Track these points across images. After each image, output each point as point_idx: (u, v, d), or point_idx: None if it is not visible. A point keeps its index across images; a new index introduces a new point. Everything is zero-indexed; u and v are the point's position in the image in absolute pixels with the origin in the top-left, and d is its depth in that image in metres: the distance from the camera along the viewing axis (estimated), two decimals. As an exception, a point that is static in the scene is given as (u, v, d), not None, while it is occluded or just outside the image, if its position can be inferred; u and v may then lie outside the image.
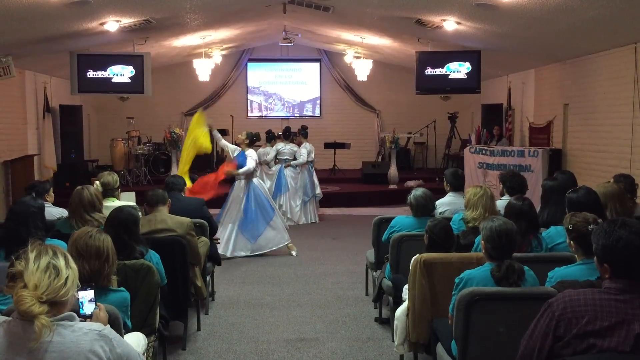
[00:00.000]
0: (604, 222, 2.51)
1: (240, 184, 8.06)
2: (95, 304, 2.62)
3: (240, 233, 7.97)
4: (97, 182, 5.30)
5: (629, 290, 2.28)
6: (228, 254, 7.85)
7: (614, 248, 2.33)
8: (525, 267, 3.35)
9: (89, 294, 2.59)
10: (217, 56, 14.73)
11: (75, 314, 2.22)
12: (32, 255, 2.12)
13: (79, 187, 4.63)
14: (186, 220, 4.94)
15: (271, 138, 10.82)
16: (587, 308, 2.27)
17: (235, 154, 8.17)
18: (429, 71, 11.02)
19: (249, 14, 11.11)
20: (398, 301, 4.49)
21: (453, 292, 3.42)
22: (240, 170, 7.89)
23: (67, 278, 2.15)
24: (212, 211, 6.36)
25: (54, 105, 12.47)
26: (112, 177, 5.44)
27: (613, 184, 4.85)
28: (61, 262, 2.16)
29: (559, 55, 10.41)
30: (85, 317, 2.53)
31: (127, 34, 9.88)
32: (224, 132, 15.08)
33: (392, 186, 12.94)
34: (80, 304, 2.54)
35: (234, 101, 16.58)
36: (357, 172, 14.62)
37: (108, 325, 2.39)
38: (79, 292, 2.48)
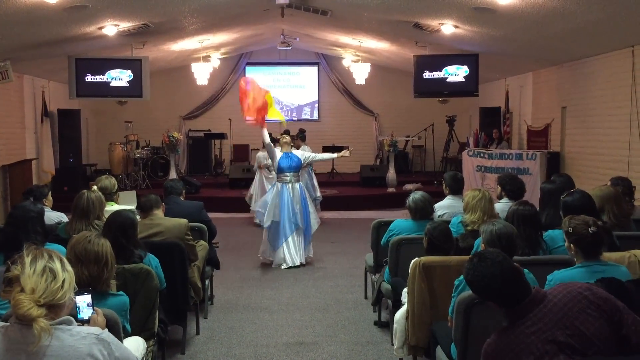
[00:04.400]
0: (469, 263, 2.53)
1: (289, 187, 7.72)
2: (93, 309, 2.62)
3: (300, 239, 7.71)
4: (95, 187, 5.30)
5: (528, 312, 2.31)
6: (295, 263, 7.60)
7: (484, 287, 2.40)
8: (525, 270, 3.34)
9: (87, 298, 2.59)
10: (215, 60, 14.74)
11: (73, 319, 2.22)
12: (27, 260, 2.13)
13: (80, 192, 4.63)
14: (183, 221, 4.96)
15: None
16: (516, 350, 2.27)
17: (278, 157, 7.76)
18: (427, 74, 11.05)
19: (247, 18, 11.13)
20: (397, 304, 4.49)
21: (452, 294, 3.42)
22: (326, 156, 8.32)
23: (63, 281, 2.16)
24: (211, 215, 6.35)
25: (52, 109, 12.47)
26: (109, 182, 5.44)
27: (610, 187, 4.85)
28: (57, 265, 2.16)
29: (557, 59, 10.44)
30: (82, 322, 2.53)
31: (126, 38, 9.89)
32: (222, 136, 15.15)
33: (390, 189, 12.95)
34: (77, 308, 2.54)
35: (232, 105, 16.51)
36: (355, 176, 14.62)
37: (106, 329, 2.38)
38: (77, 297, 2.48)
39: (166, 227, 4.84)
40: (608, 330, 2.25)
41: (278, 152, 7.85)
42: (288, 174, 7.72)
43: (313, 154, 8.29)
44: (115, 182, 5.56)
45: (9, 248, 3.57)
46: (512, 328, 2.31)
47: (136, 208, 5.09)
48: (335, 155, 8.28)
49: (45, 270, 2.13)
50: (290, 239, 7.62)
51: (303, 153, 7.97)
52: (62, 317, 2.16)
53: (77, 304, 2.53)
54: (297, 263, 7.60)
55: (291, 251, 7.62)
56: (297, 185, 7.80)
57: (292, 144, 7.96)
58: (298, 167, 7.81)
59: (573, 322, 2.24)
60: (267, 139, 7.85)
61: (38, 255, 2.15)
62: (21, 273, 2.10)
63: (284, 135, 7.86)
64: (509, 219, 4.00)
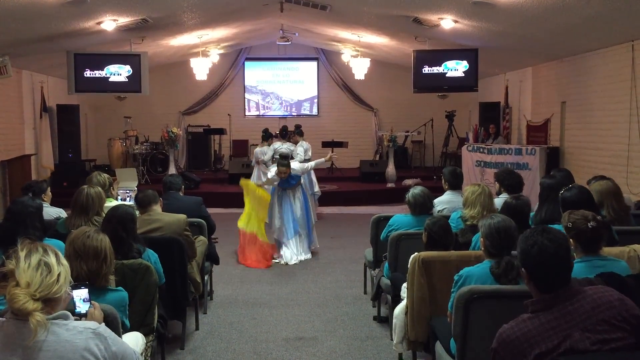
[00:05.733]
0: (532, 230, 2.49)
1: (290, 193, 7.81)
2: (90, 303, 2.61)
3: (303, 237, 7.83)
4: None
5: (553, 306, 2.28)
6: (293, 261, 7.64)
7: (528, 253, 2.35)
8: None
9: (83, 292, 2.58)
10: (215, 55, 14.71)
11: (69, 313, 2.22)
12: (22, 254, 2.12)
13: (80, 188, 4.61)
14: (182, 216, 4.95)
15: (268, 137, 10.80)
16: (531, 341, 2.25)
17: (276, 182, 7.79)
18: (426, 69, 11.03)
19: (246, 12, 11.10)
20: (397, 300, 4.49)
21: (452, 290, 3.42)
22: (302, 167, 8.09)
23: (59, 275, 2.15)
24: (211, 210, 6.34)
25: (51, 104, 12.44)
26: (98, 179, 5.38)
27: (609, 182, 4.86)
28: (52, 259, 2.15)
29: (557, 53, 10.42)
30: (80, 316, 2.52)
31: (124, 33, 9.87)
32: (221, 131, 15.13)
33: (390, 185, 12.94)
34: (74, 302, 2.53)
35: (231, 100, 16.57)
36: (355, 171, 14.61)
37: (103, 324, 2.38)
38: (73, 291, 2.47)
39: (165, 223, 4.83)
40: (628, 340, 2.24)
41: (274, 172, 7.69)
42: (289, 188, 7.83)
43: (307, 165, 8.35)
44: (106, 177, 5.52)
45: (7, 244, 3.56)
46: (532, 318, 2.29)
47: (134, 203, 5.07)
48: (323, 160, 8.64)
49: (40, 264, 2.12)
50: (290, 241, 7.71)
51: (300, 165, 8.00)
52: (59, 312, 2.16)
53: (74, 299, 2.52)
54: (292, 262, 7.62)
55: (287, 252, 7.69)
56: (298, 188, 7.88)
57: (289, 167, 7.74)
58: (298, 181, 7.88)
59: (595, 327, 2.23)
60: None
61: (33, 249, 2.14)
62: (16, 267, 2.10)
63: (281, 170, 7.57)
64: (502, 212, 4.01)
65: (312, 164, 8.41)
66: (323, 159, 8.65)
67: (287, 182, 7.74)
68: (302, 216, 7.81)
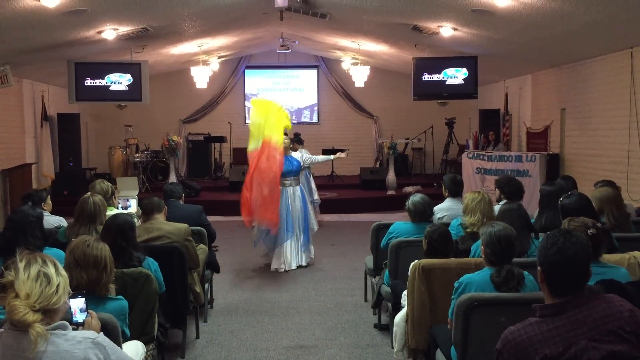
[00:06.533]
0: (555, 230, 2.46)
1: (290, 190, 7.71)
2: (87, 312, 2.60)
3: (300, 243, 7.74)
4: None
5: (562, 312, 2.25)
6: (291, 267, 7.58)
7: (547, 251, 2.31)
8: (525, 272, 3.35)
9: (80, 301, 2.58)
10: (215, 63, 14.75)
11: (67, 323, 2.22)
12: (21, 265, 2.12)
13: (84, 197, 4.59)
14: (183, 226, 4.93)
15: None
16: (536, 346, 2.23)
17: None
18: (426, 77, 11.06)
19: (247, 21, 11.14)
20: (397, 307, 4.48)
21: (452, 297, 3.42)
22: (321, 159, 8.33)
23: (58, 285, 2.15)
24: (211, 218, 6.34)
25: (52, 113, 12.47)
26: (101, 187, 5.38)
27: (609, 188, 4.86)
28: (51, 270, 2.15)
29: (556, 61, 10.45)
30: (77, 325, 2.52)
31: (125, 42, 9.90)
32: (221, 139, 15.15)
33: (390, 192, 12.94)
34: (71, 312, 2.53)
35: (231, 108, 16.60)
36: (355, 178, 14.61)
37: (102, 333, 2.38)
38: (70, 300, 2.47)
39: (165, 232, 4.81)
40: (634, 353, 2.23)
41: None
42: (289, 178, 7.73)
43: (312, 156, 8.32)
44: (109, 185, 5.51)
45: (7, 253, 3.56)
46: (540, 323, 2.27)
47: (137, 206, 5.06)
48: (332, 157, 8.55)
49: (39, 275, 2.12)
50: (287, 243, 7.63)
51: (302, 155, 7.99)
52: (57, 322, 2.16)
53: (71, 308, 2.52)
54: (294, 267, 7.61)
55: (287, 255, 7.62)
56: (297, 188, 7.82)
57: (290, 146, 7.93)
58: (298, 171, 7.84)
59: (602, 337, 2.21)
60: None
61: (32, 260, 2.14)
62: (15, 278, 2.10)
63: (284, 139, 7.80)
64: (498, 218, 4.02)
65: (320, 157, 8.28)
66: (332, 156, 8.58)
67: (289, 162, 7.59)
68: (302, 218, 7.71)
